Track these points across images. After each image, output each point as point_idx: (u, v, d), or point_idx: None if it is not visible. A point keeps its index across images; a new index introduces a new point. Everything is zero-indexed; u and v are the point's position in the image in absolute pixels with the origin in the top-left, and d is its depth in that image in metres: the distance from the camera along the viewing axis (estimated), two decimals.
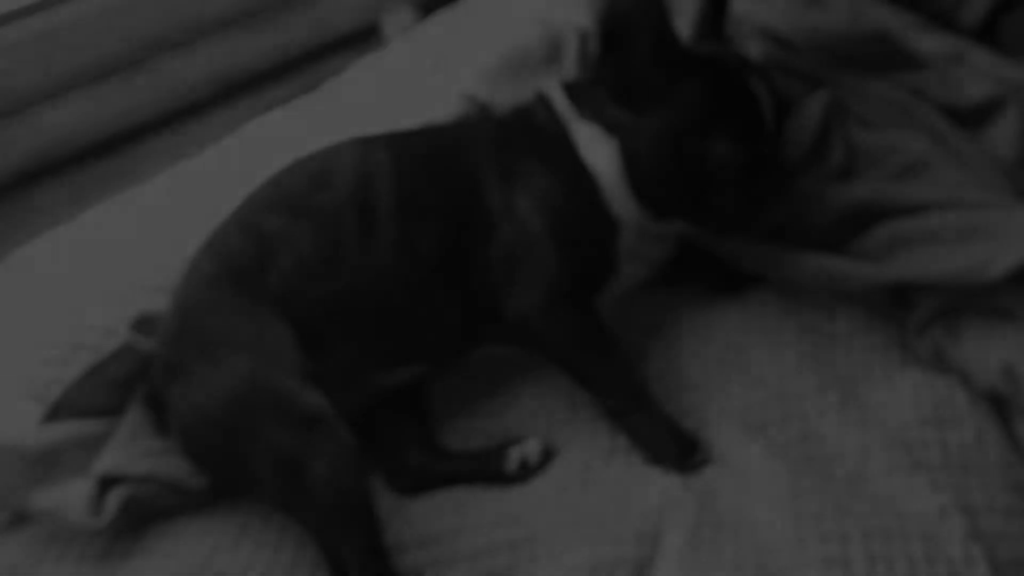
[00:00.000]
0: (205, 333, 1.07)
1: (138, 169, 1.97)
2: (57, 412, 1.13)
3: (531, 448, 1.14)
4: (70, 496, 1.06)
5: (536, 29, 1.80)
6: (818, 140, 1.43)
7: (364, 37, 2.34)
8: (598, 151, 1.17)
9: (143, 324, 1.20)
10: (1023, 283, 1.17)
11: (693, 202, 1.16)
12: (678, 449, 1.11)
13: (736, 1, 1.62)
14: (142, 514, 1.09)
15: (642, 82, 1.12)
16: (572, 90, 1.24)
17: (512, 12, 1.89)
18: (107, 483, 1.07)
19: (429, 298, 1.14)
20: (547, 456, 1.15)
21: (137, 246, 1.35)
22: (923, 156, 1.33)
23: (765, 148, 1.16)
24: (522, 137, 1.21)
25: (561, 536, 1.06)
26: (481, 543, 1.06)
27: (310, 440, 1.00)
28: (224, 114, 2.13)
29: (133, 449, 1.10)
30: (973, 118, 1.42)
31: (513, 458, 1.13)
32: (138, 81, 2.08)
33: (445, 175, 1.17)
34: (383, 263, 1.12)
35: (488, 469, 1.14)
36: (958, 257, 1.17)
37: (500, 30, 1.84)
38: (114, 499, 1.05)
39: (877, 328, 1.25)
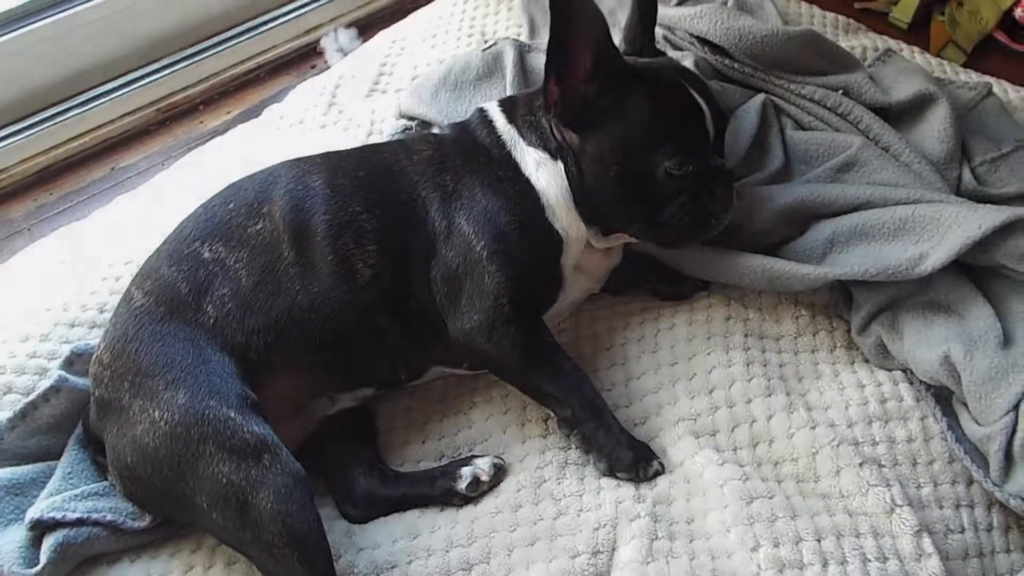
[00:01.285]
0: (140, 367, 1.03)
1: (76, 201, 1.96)
2: None
3: (482, 466, 1.13)
4: (3, 547, 1.01)
5: (474, 44, 1.81)
6: (755, 144, 1.45)
7: (304, 59, 2.33)
8: (543, 172, 1.17)
9: (75, 361, 1.16)
10: (957, 277, 1.20)
11: (643, 217, 1.17)
12: (633, 458, 1.10)
13: (668, 9, 1.65)
14: (81, 559, 1.05)
15: (585, 102, 1.12)
16: (512, 109, 1.23)
17: (450, 28, 1.89)
18: (43, 530, 1.03)
19: (370, 322, 1.12)
20: (499, 473, 1.13)
21: (69, 281, 1.31)
22: (856, 155, 1.35)
23: (711, 158, 1.16)
24: (463, 157, 1.19)
25: (516, 555, 1.05)
26: (435, 567, 1.04)
27: (254, 471, 0.97)
28: (163, 141, 2.09)
29: (68, 492, 1.06)
30: (903, 116, 1.44)
31: (464, 476, 1.12)
32: (74, 111, 2.03)
33: (383, 197, 1.15)
34: (321, 288, 1.10)
35: (439, 489, 1.12)
36: (893, 254, 1.19)
37: (438, 46, 1.85)
38: (48, 547, 1.01)
39: (822, 329, 1.26)
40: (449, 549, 1.06)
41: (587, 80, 1.11)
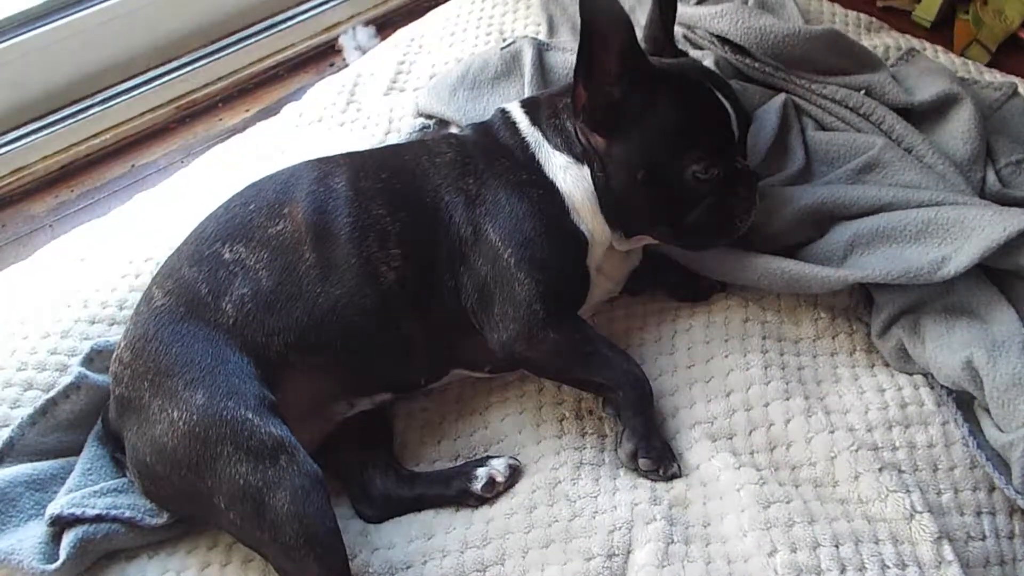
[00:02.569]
0: (159, 366, 1.04)
1: (96, 198, 1.97)
2: (8, 454, 1.10)
3: (498, 467, 1.12)
4: (23, 542, 1.02)
5: (492, 42, 1.81)
6: (776, 144, 1.43)
7: (323, 57, 2.33)
8: (569, 175, 1.16)
9: (95, 359, 1.17)
10: (980, 280, 1.19)
11: (669, 220, 1.16)
12: (661, 449, 1.11)
13: (688, 8, 1.64)
14: (99, 555, 1.06)
15: (612, 105, 1.11)
16: (536, 110, 1.22)
17: (468, 26, 1.89)
18: (62, 526, 1.04)
19: (393, 326, 1.12)
20: (514, 474, 1.13)
21: (90, 278, 1.32)
22: (878, 156, 1.34)
23: (736, 160, 1.15)
24: (485, 160, 1.18)
25: (531, 557, 1.04)
26: (450, 568, 1.04)
27: (271, 472, 0.97)
28: (183, 139, 2.11)
29: (88, 489, 1.07)
30: (927, 117, 1.42)
31: (480, 477, 1.11)
32: (94, 109, 2.05)
33: (406, 200, 1.15)
34: (343, 291, 1.09)
35: (455, 489, 1.12)
36: (915, 257, 1.17)
37: (456, 45, 1.84)
38: (68, 543, 1.01)
39: (842, 332, 1.25)
40: (464, 550, 1.06)
41: (614, 83, 1.10)
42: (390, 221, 1.13)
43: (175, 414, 1.00)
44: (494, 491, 1.11)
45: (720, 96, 1.13)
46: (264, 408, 1.01)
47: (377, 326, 1.11)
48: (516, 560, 1.04)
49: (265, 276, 1.08)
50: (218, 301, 1.07)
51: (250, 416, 0.99)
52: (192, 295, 1.08)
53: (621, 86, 1.10)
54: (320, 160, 1.22)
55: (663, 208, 1.15)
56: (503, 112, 1.24)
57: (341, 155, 1.24)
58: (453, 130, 1.48)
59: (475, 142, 1.22)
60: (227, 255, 1.10)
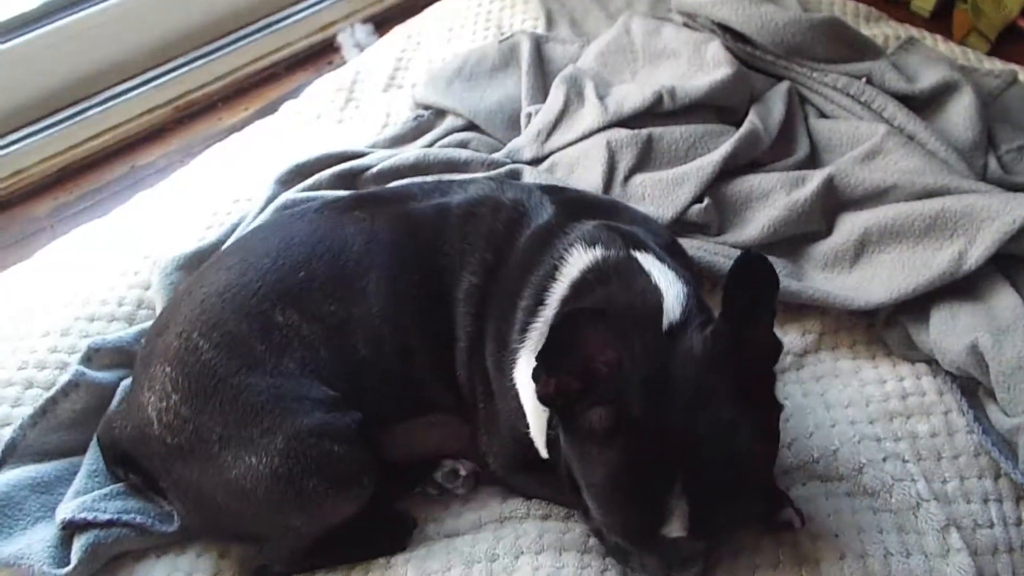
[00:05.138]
0: (227, 420, 1.00)
1: (96, 199, 1.97)
2: (11, 456, 1.09)
3: (464, 463, 1.12)
4: (33, 546, 1.02)
5: (490, 38, 1.80)
6: (782, 131, 1.43)
7: (321, 55, 2.33)
8: None
9: (94, 356, 1.16)
10: (984, 265, 1.18)
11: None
12: None
13: None
14: (109, 558, 1.05)
15: None
16: None
17: (466, 22, 1.88)
18: (73, 529, 1.03)
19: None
20: (475, 478, 1.12)
21: (89, 277, 1.32)
22: (880, 144, 1.34)
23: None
24: None
25: None
26: None
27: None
28: (182, 139, 2.11)
29: (96, 492, 1.06)
30: (928, 104, 1.42)
31: (444, 466, 1.12)
32: (93, 110, 2.05)
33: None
34: (388, 370, 1.08)
35: (417, 475, 1.12)
36: (931, 257, 1.17)
37: (454, 41, 1.84)
38: (79, 547, 1.01)
39: (843, 328, 1.24)
40: None
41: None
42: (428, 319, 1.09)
43: (252, 460, 0.99)
44: (454, 484, 1.11)
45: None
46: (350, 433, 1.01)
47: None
48: None
49: (321, 348, 1.06)
50: (278, 359, 1.04)
51: (336, 448, 1.00)
52: (246, 350, 1.04)
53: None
54: (372, 228, 1.13)
55: None
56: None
57: (387, 223, 1.13)
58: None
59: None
60: (279, 318, 1.06)
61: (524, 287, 1.04)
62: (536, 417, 1.01)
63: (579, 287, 1.00)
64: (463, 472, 1.12)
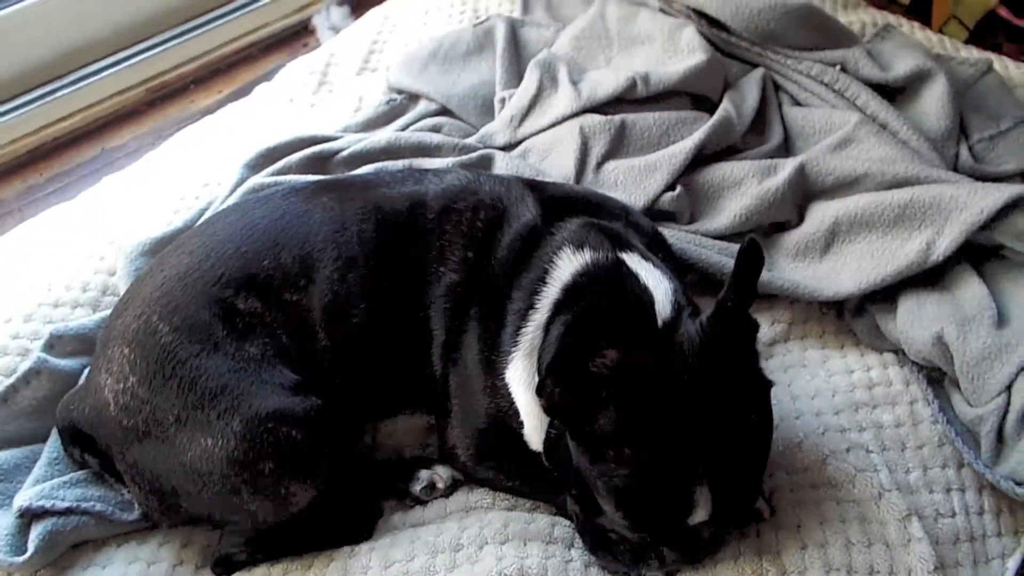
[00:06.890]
0: (186, 402, 0.99)
1: (66, 182, 1.94)
2: None
3: (441, 473, 1.10)
4: None
5: (466, 22, 1.78)
6: (757, 118, 1.43)
7: (296, 37, 2.30)
8: None
9: (56, 344, 1.15)
10: (954, 255, 1.18)
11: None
12: None
13: None
14: (68, 546, 1.04)
15: None
16: None
17: (442, 5, 1.86)
18: (31, 517, 1.02)
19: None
20: (454, 484, 1.11)
21: (53, 262, 1.30)
22: (853, 132, 1.33)
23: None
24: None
25: None
26: None
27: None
28: (154, 121, 2.07)
29: (56, 480, 1.05)
30: (901, 93, 1.42)
31: (421, 479, 1.10)
32: (63, 91, 2.01)
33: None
34: (352, 362, 1.07)
35: (394, 485, 1.11)
36: (900, 249, 1.17)
37: (430, 24, 1.82)
38: (36, 535, 1.00)
39: (812, 319, 1.24)
40: None
41: None
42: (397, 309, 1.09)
43: (208, 442, 0.98)
44: (432, 496, 1.10)
45: None
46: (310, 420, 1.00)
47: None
48: None
49: (284, 336, 1.06)
50: (240, 343, 1.04)
51: (294, 433, 0.98)
52: (207, 334, 1.03)
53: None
54: (340, 217, 1.11)
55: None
56: None
57: (359, 211, 1.11)
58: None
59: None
60: (241, 305, 1.05)
61: (512, 289, 1.06)
62: (531, 417, 1.03)
63: (570, 291, 1.02)
64: (441, 485, 1.10)
